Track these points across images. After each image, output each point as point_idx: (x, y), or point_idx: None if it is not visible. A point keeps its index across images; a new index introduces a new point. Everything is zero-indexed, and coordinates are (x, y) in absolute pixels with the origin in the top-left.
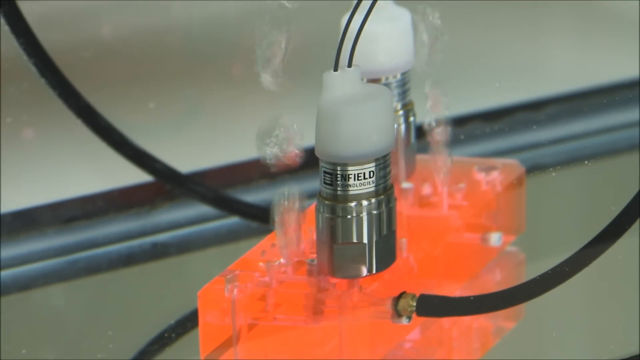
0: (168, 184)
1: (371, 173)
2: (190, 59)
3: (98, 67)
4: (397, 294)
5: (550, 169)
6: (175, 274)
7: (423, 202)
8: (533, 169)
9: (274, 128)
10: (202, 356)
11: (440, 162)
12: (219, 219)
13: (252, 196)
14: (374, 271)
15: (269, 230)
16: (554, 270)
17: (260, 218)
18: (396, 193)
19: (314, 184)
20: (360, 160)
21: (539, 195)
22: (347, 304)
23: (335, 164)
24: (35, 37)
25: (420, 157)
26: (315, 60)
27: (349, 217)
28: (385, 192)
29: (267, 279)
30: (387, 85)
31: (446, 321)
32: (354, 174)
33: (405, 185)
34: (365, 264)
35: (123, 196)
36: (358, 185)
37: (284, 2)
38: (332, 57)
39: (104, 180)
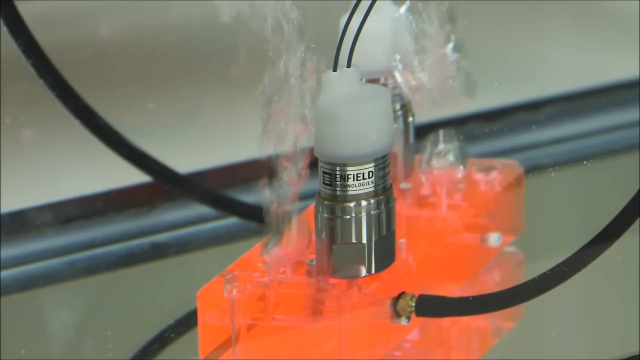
0: (167, 185)
1: (370, 173)
2: (189, 60)
3: (97, 68)
4: (396, 294)
5: (550, 169)
6: (175, 274)
7: (422, 202)
8: (532, 169)
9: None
10: (201, 356)
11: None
12: (218, 220)
13: (251, 196)
14: (373, 271)
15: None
16: (553, 270)
17: (259, 218)
18: (395, 193)
19: (313, 184)
20: (359, 161)
21: (538, 195)
22: (346, 304)
23: (334, 164)
24: (33, 38)
25: (419, 158)
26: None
27: (348, 217)
28: (384, 192)
29: (266, 279)
30: (385, 85)
31: (445, 321)
32: (353, 174)
33: (404, 185)
34: (364, 264)
35: (122, 196)
36: (357, 185)
37: None
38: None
39: (103, 180)
